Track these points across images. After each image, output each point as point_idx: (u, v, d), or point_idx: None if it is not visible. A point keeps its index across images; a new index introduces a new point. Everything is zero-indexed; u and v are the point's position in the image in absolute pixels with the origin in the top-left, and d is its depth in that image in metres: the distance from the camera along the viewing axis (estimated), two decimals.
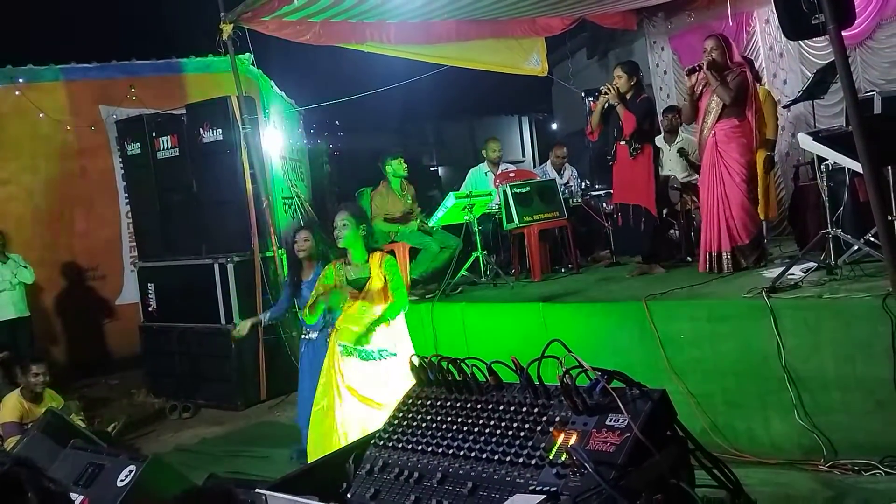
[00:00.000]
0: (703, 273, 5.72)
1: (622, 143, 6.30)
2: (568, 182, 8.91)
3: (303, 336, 5.47)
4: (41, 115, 9.64)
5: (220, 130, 7.72)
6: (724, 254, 5.65)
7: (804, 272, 4.86)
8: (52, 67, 10.02)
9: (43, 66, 9.98)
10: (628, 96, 6.25)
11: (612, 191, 6.93)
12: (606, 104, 6.36)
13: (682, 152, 7.66)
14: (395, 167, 7.33)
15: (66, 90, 10.00)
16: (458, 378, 2.32)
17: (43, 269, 9.22)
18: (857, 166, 3.93)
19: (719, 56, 5.64)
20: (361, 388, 4.51)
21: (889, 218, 4.25)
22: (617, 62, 7.05)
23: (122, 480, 3.89)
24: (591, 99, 10.25)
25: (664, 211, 6.74)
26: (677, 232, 7.20)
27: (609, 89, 6.24)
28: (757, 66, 8.53)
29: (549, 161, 9.15)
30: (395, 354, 4.54)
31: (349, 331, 4.59)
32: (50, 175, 9.89)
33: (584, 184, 8.95)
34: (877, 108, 6.42)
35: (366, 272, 4.59)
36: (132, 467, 3.93)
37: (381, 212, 7.28)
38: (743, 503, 2.00)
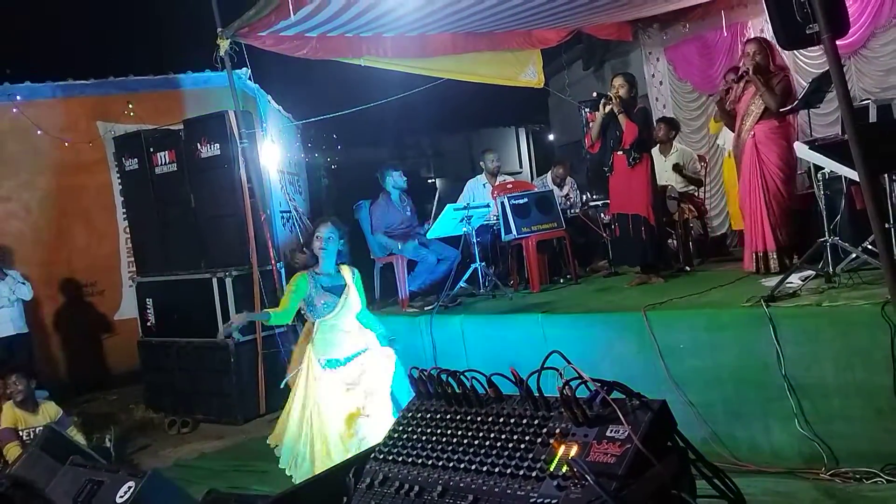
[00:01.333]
0: (746, 272, 5.76)
1: (619, 152, 6.30)
2: (568, 194, 8.94)
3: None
4: (39, 131, 9.65)
5: (218, 145, 7.73)
6: (770, 254, 5.66)
7: (802, 280, 4.86)
8: (50, 84, 10.03)
9: (40, 82, 10.01)
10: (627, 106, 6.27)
11: (608, 201, 6.93)
12: (606, 114, 6.34)
13: (676, 168, 7.68)
14: (396, 179, 7.34)
15: (64, 107, 10.01)
16: (457, 391, 2.31)
17: (42, 286, 9.21)
18: (853, 174, 3.94)
19: (762, 60, 5.66)
20: (338, 398, 4.62)
21: (886, 226, 4.27)
22: (615, 72, 7.06)
23: (121, 497, 3.87)
24: (587, 110, 10.28)
25: (664, 220, 6.74)
26: (675, 241, 7.20)
27: (612, 98, 6.24)
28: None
29: (549, 174, 9.21)
30: (366, 349, 4.75)
31: (328, 342, 4.68)
32: (48, 191, 9.89)
33: (584, 196, 8.98)
34: (872, 117, 6.45)
35: (341, 279, 4.76)
36: (131, 483, 3.91)
37: (381, 225, 7.27)
38: None
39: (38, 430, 5.80)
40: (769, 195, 5.62)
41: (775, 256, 5.63)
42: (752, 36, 8.52)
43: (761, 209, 5.64)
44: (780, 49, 5.57)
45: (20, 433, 5.87)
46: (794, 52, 8.26)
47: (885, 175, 4.90)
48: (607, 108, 6.31)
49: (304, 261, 5.37)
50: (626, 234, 6.36)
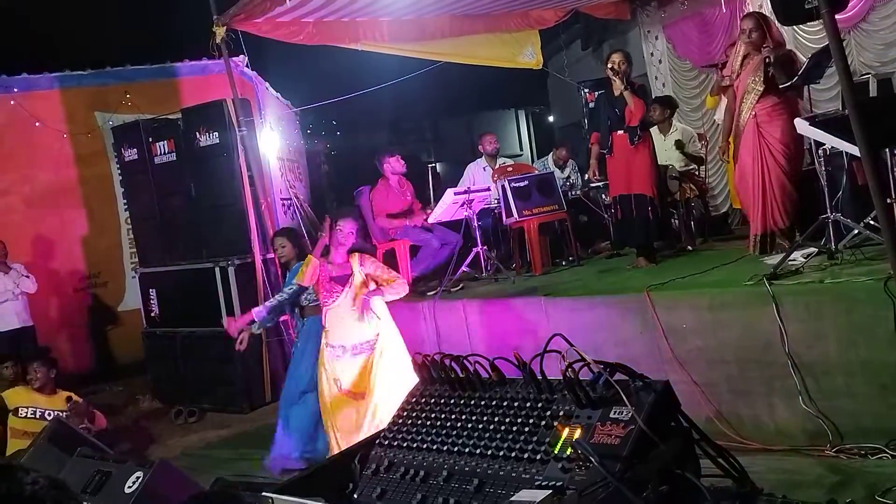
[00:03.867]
0: (750, 255, 5.60)
1: (620, 132, 6.17)
2: (569, 176, 8.92)
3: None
4: (37, 123, 9.63)
5: (217, 134, 7.71)
6: (777, 234, 5.51)
7: (805, 258, 4.85)
8: (47, 76, 10.00)
9: (37, 74, 9.98)
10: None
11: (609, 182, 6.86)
12: (606, 95, 6.24)
13: (678, 144, 7.63)
14: (393, 164, 7.32)
15: (62, 98, 9.98)
16: (461, 375, 2.32)
17: (44, 279, 9.21)
18: (854, 150, 3.92)
19: (758, 37, 5.45)
20: (347, 383, 4.91)
21: (888, 201, 4.24)
22: (612, 50, 6.92)
23: (129, 487, 3.89)
24: (586, 91, 10.25)
25: (667, 200, 6.71)
26: (676, 221, 7.19)
27: (618, 77, 6.08)
28: None
29: (550, 156, 9.19)
30: (376, 336, 5.01)
31: (339, 330, 4.93)
32: (48, 184, 9.88)
33: (586, 177, 8.95)
34: (872, 91, 6.40)
35: (347, 269, 5.01)
36: (139, 473, 3.93)
37: (382, 210, 7.27)
38: (749, 491, 2.00)
39: (45, 412, 5.96)
40: (773, 175, 5.45)
41: (781, 236, 5.50)
42: (751, 11, 8.45)
43: (767, 190, 5.49)
44: (776, 23, 5.50)
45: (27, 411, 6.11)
46: (794, 26, 8.20)
47: (887, 150, 4.88)
48: (620, 84, 6.09)
49: (288, 254, 5.83)
50: (629, 215, 6.23)
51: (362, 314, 4.95)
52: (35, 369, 6.25)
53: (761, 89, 5.47)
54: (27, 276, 8.25)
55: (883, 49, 7.73)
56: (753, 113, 5.51)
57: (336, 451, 4.83)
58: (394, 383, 4.77)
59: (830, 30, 3.50)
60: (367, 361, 4.96)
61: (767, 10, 7.68)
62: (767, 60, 5.41)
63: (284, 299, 5.41)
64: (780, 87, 5.40)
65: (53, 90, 9.97)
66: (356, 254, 5.10)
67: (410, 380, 4.61)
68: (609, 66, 6.16)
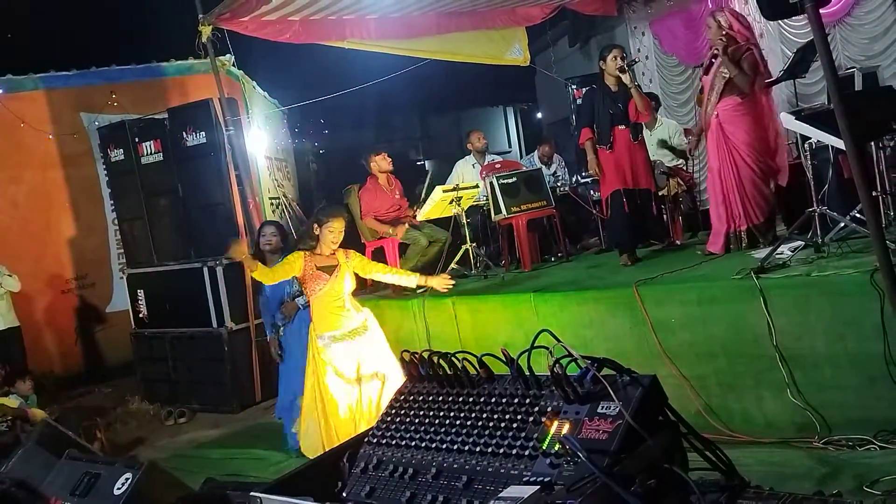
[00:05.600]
0: (715, 254, 5.59)
1: (622, 127, 6.09)
2: (556, 172, 8.92)
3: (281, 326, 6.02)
4: (22, 124, 9.57)
5: (204, 133, 7.68)
6: (741, 233, 5.53)
7: (792, 251, 4.87)
8: (32, 76, 9.97)
9: (22, 75, 9.92)
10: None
11: (599, 178, 6.85)
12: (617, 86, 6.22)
13: (662, 143, 7.65)
14: (379, 163, 7.31)
15: (47, 99, 9.94)
16: (449, 372, 2.31)
17: (31, 280, 9.17)
18: (840, 143, 3.93)
19: (726, 35, 5.43)
20: (343, 367, 5.03)
21: (874, 193, 4.27)
22: (610, 44, 6.85)
23: (118, 489, 3.88)
24: (573, 87, 10.26)
25: (660, 194, 6.74)
26: (665, 216, 7.21)
27: (627, 72, 6.02)
28: None
29: (535, 153, 9.18)
30: (364, 322, 5.16)
31: (327, 320, 5.05)
32: (34, 185, 9.84)
33: (576, 177, 8.95)
34: (857, 85, 6.45)
35: (333, 261, 5.12)
36: (128, 475, 3.92)
37: (371, 210, 7.25)
38: (737, 484, 2.01)
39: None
40: (738, 174, 5.43)
41: (745, 236, 5.49)
42: (735, 7, 8.50)
43: (731, 188, 5.47)
44: (742, 21, 5.50)
45: None
46: (779, 21, 8.25)
47: (872, 143, 4.91)
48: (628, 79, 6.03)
49: (276, 243, 6.10)
50: (632, 210, 6.09)
51: (346, 303, 5.09)
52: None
53: (722, 87, 5.45)
54: (9, 276, 8.19)
55: (867, 43, 7.79)
56: (716, 112, 5.51)
57: (325, 439, 5.00)
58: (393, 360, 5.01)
59: (815, 24, 3.50)
60: (359, 347, 5.08)
61: (753, 4, 7.73)
62: (717, 57, 5.44)
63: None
64: (739, 84, 5.35)
65: (38, 91, 9.94)
66: (341, 249, 5.19)
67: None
68: (619, 61, 6.03)
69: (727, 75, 5.39)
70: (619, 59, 6.05)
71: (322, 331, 5.06)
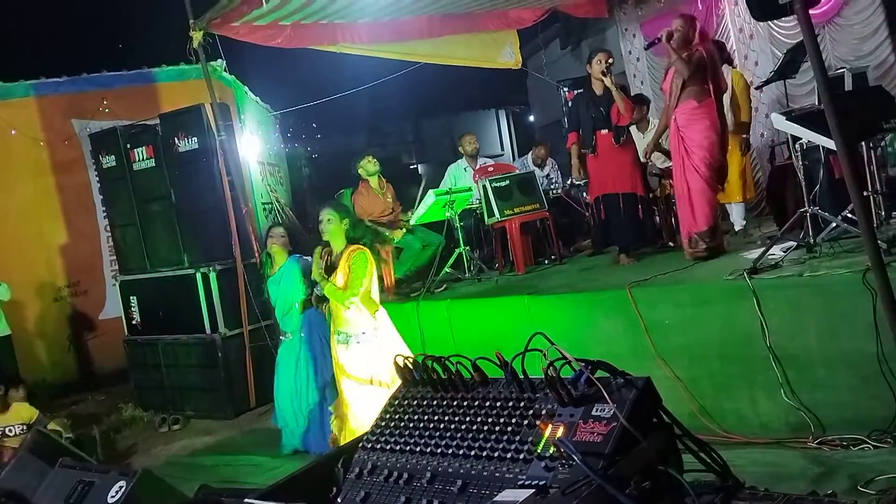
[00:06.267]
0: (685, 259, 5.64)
1: (604, 131, 6.16)
2: (549, 174, 8.93)
3: (280, 337, 6.05)
4: (13, 132, 9.53)
5: (196, 139, 7.66)
6: (695, 237, 5.53)
7: (784, 251, 4.89)
8: (22, 83, 9.92)
9: (13, 82, 9.88)
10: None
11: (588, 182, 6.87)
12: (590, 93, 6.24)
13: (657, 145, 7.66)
14: (366, 166, 7.31)
15: (38, 106, 9.89)
16: (443, 376, 2.31)
17: (23, 288, 9.13)
18: (830, 143, 3.96)
19: (679, 39, 5.46)
20: (348, 367, 5.02)
21: (864, 193, 4.29)
22: (597, 48, 6.88)
23: (112, 497, 3.85)
24: (565, 89, 10.28)
25: (649, 196, 6.75)
26: (658, 218, 7.22)
27: (609, 76, 6.05)
28: (728, 48, 8.58)
29: (529, 156, 9.20)
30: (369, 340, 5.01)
31: (337, 317, 5.05)
32: (26, 192, 9.79)
33: (570, 179, 8.95)
34: (847, 85, 6.47)
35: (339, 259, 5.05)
36: (122, 483, 3.89)
37: (365, 214, 7.25)
38: (731, 485, 2.00)
39: (7, 429, 5.84)
40: (688, 179, 5.45)
41: (704, 239, 5.49)
42: (724, 8, 8.54)
43: (684, 193, 5.51)
44: (700, 31, 5.49)
45: None
46: (769, 22, 8.29)
47: (863, 142, 4.93)
48: (609, 82, 6.06)
49: (283, 244, 6.10)
50: (615, 214, 6.20)
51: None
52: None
53: (679, 92, 5.48)
54: (0, 284, 8.14)
55: (857, 43, 7.82)
56: (674, 116, 5.54)
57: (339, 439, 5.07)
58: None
59: (805, 25, 3.51)
60: (365, 350, 5.00)
61: (743, 6, 7.76)
62: (659, 41, 5.50)
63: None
64: (678, 69, 5.37)
65: (29, 98, 9.88)
66: (349, 245, 5.05)
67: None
68: (604, 65, 6.07)
69: (683, 77, 5.41)
70: (603, 62, 6.08)
71: (334, 327, 5.10)
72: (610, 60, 6.13)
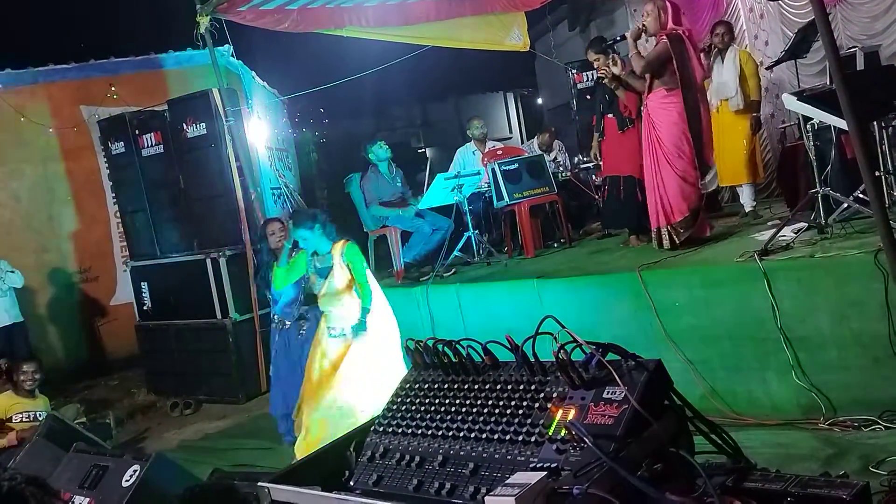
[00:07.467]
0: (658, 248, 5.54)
1: (609, 116, 6.19)
2: (556, 157, 8.90)
3: (274, 326, 5.94)
4: (22, 119, 9.56)
5: (204, 124, 7.66)
6: (662, 230, 5.48)
7: (795, 233, 4.86)
8: (31, 70, 9.93)
9: (21, 69, 9.89)
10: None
11: (600, 164, 6.88)
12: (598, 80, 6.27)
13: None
14: (377, 151, 7.29)
15: (46, 92, 9.92)
16: (454, 360, 2.31)
17: (34, 274, 9.20)
18: (842, 124, 3.92)
19: (652, 23, 5.41)
20: (337, 363, 4.95)
21: (877, 174, 4.25)
22: (588, 46, 6.89)
23: (126, 480, 3.90)
24: (574, 71, 10.21)
25: None
26: None
27: (609, 71, 6.01)
28: (737, 28, 8.50)
29: (535, 140, 9.18)
30: (365, 330, 4.94)
31: (330, 313, 5.05)
32: (36, 179, 9.85)
33: (575, 159, 8.93)
34: (859, 64, 6.40)
35: (329, 261, 5.01)
36: (136, 467, 3.94)
37: (375, 197, 7.24)
38: (743, 466, 2.01)
39: (36, 414, 5.86)
40: (660, 169, 5.40)
41: (666, 233, 5.43)
42: None
43: (654, 184, 5.46)
44: (674, 15, 5.38)
45: (20, 416, 5.91)
46: (780, 2, 8.21)
47: (875, 122, 4.88)
48: (612, 72, 6.00)
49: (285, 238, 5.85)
50: (617, 196, 6.27)
51: (331, 301, 5.03)
52: (34, 372, 6.00)
53: (650, 80, 5.44)
54: (13, 272, 8.19)
55: (869, 22, 7.73)
56: (646, 103, 5.51)
57: (303, 432, 4.95)
58: (370, 366, 4.85)
59: (816, 4, 3.48)
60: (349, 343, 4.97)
61: None
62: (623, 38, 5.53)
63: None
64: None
65: (38, 84, 9.90)
66: (341, 241, 5.07)
67: (390, 368, 4.71)
68: (598, 72, 6.22)
69: (637, 72, 5.42)
70: (597, 67, 6.23)
71: (330, 322, 5.06)
72: (606, 62, 6.09)
